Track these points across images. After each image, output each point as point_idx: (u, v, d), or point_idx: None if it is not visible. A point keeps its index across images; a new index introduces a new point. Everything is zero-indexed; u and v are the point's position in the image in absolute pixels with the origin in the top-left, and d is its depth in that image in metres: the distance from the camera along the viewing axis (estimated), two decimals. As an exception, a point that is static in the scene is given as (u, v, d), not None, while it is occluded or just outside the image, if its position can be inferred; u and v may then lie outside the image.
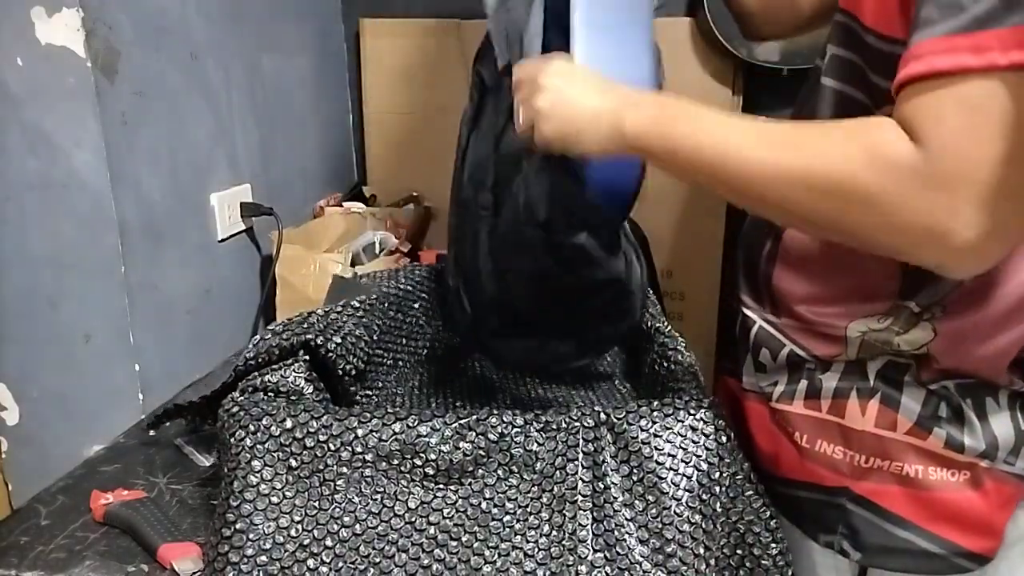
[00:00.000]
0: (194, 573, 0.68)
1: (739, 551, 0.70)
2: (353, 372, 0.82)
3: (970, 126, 0.51)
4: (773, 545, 0.71)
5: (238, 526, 0.63)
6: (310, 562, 0.63)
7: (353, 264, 1.24)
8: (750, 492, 0.70)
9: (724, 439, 0.68)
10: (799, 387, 0.75)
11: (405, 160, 1.66)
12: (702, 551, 0.64)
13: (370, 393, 0.89)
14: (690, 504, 0.65)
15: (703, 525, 0.65)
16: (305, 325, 0.80)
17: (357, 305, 0.90)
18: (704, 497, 0.65)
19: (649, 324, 0.92)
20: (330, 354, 0.79)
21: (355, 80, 1.69)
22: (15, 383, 0.88)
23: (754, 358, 0.79)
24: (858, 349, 0.72)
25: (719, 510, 0.67)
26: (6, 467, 0.85)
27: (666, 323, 0.92)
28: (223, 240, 1.19)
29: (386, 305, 0.97)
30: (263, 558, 0.62)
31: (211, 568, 0.63)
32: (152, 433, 0.93)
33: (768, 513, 0.71)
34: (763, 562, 0.70)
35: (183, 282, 1.09)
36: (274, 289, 1.23)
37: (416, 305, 1.04)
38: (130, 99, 0.97)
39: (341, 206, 1.48)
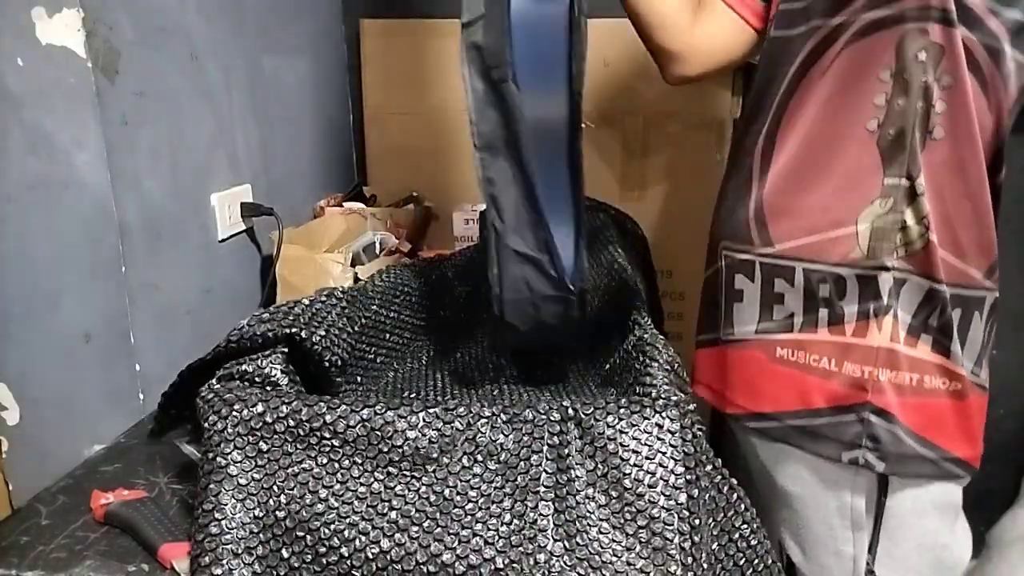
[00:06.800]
0: (194, 573, 0.69)
1: (722, 541, 0.72)
2: (339, 363, 0.83)
3: None
4: (752, 536, 0.73)
5: (207, 507, 0.64)
6: (272, 543, 0.64)
7: (353, 264, 1.24)
8: (726, 488, 0.71)
9: (690, 436, 0.68)
10: (820, 315, 0.79)
11: (405, 160, 1.66)
12: (677, 539, 0.64)
13: (351, 388, 0.89)
14: (654, 499, 0.65)
15: (683, 523, 0.65)
16: (291, 317, 0.80)
17: (340, 295, 0.89)
18: (679, 493, 0.66)
19: (632, 318, 0.91)
20: (315, 347, 0.79)
21: (355, 80, 1.69)
22: (15, 383, 0.88)
23: (767, 292, 0.82)
24: (869, 239, 0.76)
25: (702, 506, 0.68)
26: (6, 467, 0.84)
27: (646, 318, 0.90)
28: (223, 240, 1.19)
29: (368, 299, 0.97)
30: (228, 537, 0.64)
31: (192, 551, 0.65)
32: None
33: (743, 506, 0.72)
34: (746, 550, 0.72)
35: (183, 282, 1.09)
36: (274, 289, 1.23)
37: (398, 300, 1.04)
38: (130, 99, 0.97)
39: (341, 206, 1.48)
